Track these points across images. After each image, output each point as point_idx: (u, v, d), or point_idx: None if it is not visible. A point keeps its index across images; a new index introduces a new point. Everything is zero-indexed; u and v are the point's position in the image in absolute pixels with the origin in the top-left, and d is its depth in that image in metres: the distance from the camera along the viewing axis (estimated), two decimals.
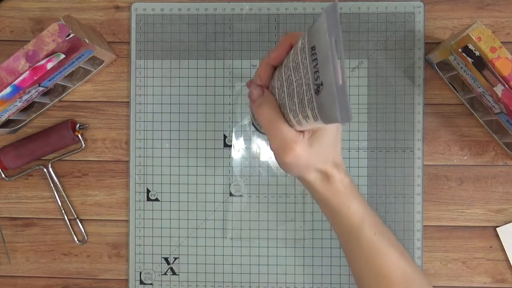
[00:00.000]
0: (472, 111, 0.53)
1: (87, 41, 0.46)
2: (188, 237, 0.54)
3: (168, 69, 0.54)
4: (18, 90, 0.44)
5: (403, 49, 0.53)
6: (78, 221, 0.55)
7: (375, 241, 0.40)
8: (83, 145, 0.54)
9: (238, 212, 0.54)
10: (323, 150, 0.37)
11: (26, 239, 0.55)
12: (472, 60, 0.44)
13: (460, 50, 0.44)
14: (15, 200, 0.55)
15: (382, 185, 0.53)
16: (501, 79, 0.43)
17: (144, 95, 0.54)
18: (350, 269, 0.43)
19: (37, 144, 0.53)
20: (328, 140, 0.37)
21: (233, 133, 0.54)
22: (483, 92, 0.48)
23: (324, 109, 0.30)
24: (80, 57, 0.48)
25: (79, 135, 0.54)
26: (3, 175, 0.54)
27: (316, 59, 0.30)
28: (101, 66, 0.53)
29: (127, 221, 0.55)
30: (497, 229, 0.53)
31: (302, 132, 0.36)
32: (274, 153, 0.38)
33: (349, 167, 0.54)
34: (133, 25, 0.54)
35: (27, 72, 0.43)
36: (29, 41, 0.43)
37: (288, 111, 0.35)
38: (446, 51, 0.48)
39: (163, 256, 0.54)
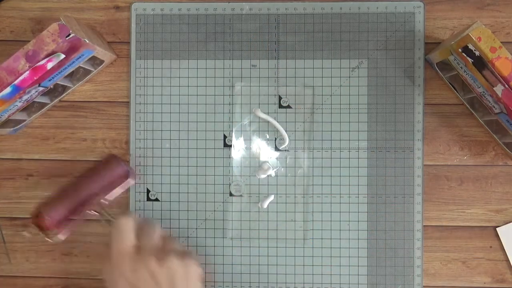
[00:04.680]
0: (472, 111, 0.53)
1: (87, 41, 0.46)
2: (188, 237, 0.54)
3: (168, 69, 0.54)
4: (18, 90, 0.44)
5: (403, 49, 0.53)
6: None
7: None
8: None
9: (238, 212, 0.54)
10: None
11: (26, 239, 0.55)
12: (472, 60, 0.44)
13: (460, 50, 0.44)
14: (15, 200, 0.55)
15: (382, 185, 0.53)
16: (501, 79, 0.43)
17: (144, 95, 0.54)
18: None
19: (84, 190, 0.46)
20: None
21: (233, 133, 0.54)
22: (483, 92, 0.48)
23: None
24: (80, 57, 0.48)
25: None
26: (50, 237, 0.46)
27: None
28: (101, 66, 0.53)
29: None
30: (497, 229, 0.53)
31: None
32: None
33: (349, 167, 0.54)
34: (133, 25, 0.54)
35: (27, 72, 0.43)
36: (29, 41, 0.43)
37: None
38: (446, 51, 0.48)
39: None
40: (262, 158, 0.54)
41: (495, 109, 0.48)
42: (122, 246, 0.43)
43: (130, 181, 0.50)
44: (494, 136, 0.52)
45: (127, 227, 0.44)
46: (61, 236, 0.46)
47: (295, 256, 0.54)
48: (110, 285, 0.43)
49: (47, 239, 0.46)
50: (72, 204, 0.45)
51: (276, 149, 0.54)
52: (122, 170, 0.47)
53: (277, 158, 0.54)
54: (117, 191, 0.49)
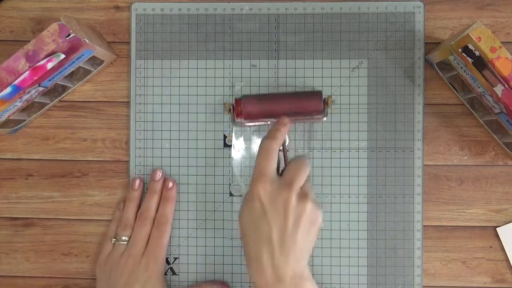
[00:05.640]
0: (472, 111, 0.53)
1: (87, 41, 0.46)
2: (188, 237, 0.54)
3: (168, 69, 0.54)
4: (18, 90, 0.44)
5: (403, 49, 0.53)
6: None
7: None
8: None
9: (238, 212, 0.54)
10: None
11: (26, 239, 0.55)
12: (472, 60, 0.44)
13: (460, 50, 0.44)
14: (15, 200, 0.55)
15: (382, 185, 0.53)
16: (501, 79, 0.43)
17: (144, 95, 0.54)
18: None
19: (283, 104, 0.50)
20: None
21: (233, 133, 0.54)
22: (483, 92, 0.48)
23: None
24: (80, 57, 0.48)
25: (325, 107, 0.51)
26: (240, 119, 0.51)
27: None
28: (101, 66, 0.53)
29: None
30: (497, 229, 0.53)
31: None
32: None
33: (349, 167, 0.54)
34: (133, 25, 0.54)
35: (27, 72, 0.43)
36: (29, 41, 0.43)
37: None
38: (446, 51, 0.48)
39: None
40: None
41: (495, 109, 0.48)
42: (265, 165, 0.43)
43: (321, 119, 0.52)
44: (494, 136, 0.52)
45: (273, 149, 0.44)
46: (242, 122, 0.52)
47: None
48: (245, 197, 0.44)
49: (232, 119, 0.52)
50: (266, 109, 0.50)
51: None
52: (320, 108, 0.50)
53: None
54: (306, 119, 0.52)
